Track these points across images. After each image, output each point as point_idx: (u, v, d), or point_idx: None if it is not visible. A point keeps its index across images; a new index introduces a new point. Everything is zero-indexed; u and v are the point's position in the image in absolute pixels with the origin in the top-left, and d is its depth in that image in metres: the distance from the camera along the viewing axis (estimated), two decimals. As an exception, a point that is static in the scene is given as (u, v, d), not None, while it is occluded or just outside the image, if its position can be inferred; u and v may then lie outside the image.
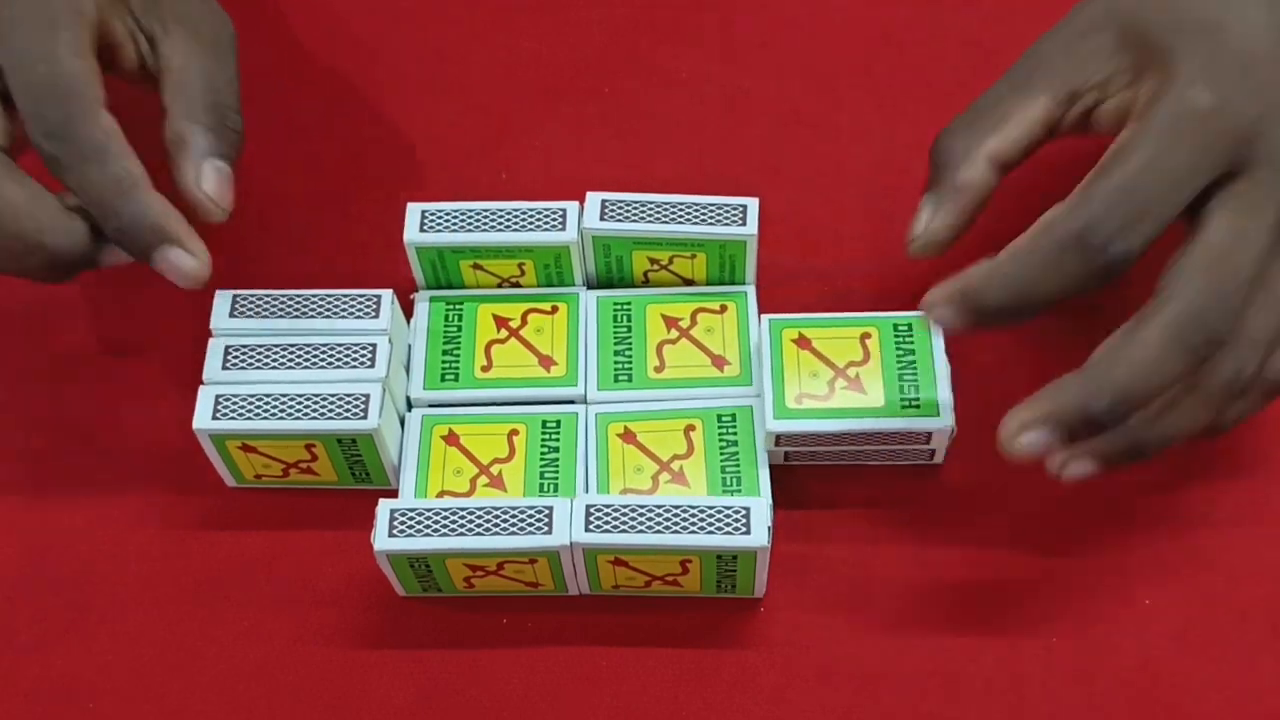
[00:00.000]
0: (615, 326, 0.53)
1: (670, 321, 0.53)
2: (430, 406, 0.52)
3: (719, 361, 0.52)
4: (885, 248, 0.55)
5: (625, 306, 0.53)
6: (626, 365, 0.52)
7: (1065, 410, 0.44)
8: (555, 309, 0.53)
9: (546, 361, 0.52)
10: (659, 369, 0.52)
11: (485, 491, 0.50)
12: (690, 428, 0.51)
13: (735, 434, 0.50)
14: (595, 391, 0.52)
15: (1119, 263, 0.44)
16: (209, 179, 0.49)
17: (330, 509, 0.52)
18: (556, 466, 0.50)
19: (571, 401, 0.52)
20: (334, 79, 0.62)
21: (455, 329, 0.53)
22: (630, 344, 0.52)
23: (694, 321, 0.53)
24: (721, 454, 0.50)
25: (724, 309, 0.53)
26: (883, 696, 0.49)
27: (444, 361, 0.52)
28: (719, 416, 0.51)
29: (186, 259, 0.48)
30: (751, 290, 0.53)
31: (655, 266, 0.53)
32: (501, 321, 0.53)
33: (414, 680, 0.49)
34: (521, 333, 0.53)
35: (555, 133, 0.60)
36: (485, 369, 0.52)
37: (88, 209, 0.48)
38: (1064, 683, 0.49)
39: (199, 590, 0.51)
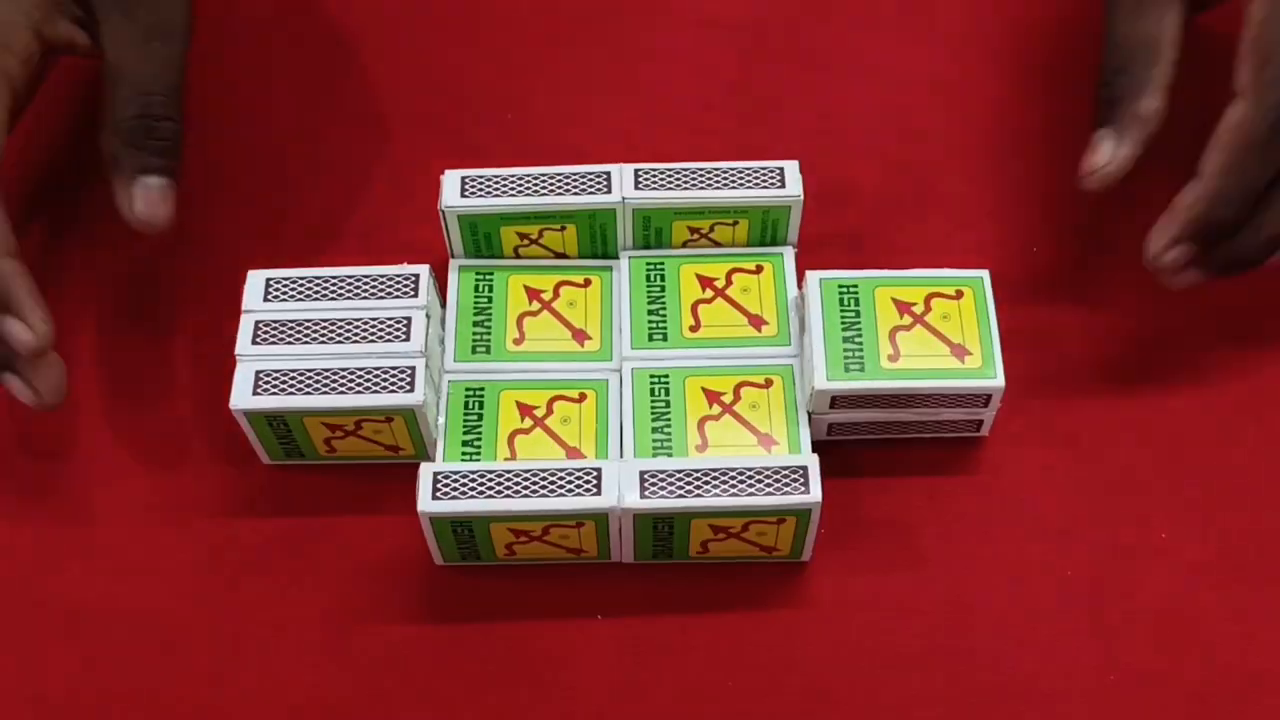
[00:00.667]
0: (649, 286, 0.52)
1: (705, 281, 0.52)
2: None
3: (756, 321, 0.52)
4: (912, 202, 0.56)
5: (659, 266, 0.53)
6: (661, 325, 0.52)
7: (1233, 261, 0.48)
8: (588, 281, 0.53)
9: (580, 335, 0.52)
10: (694, 328, 0.52)
11: (528, 452, 0.49)
12: (730, 386, 0.50)
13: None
14: (629, 350, 0.51)
15: None
16: (139, 200, 0.49)
17: (363, 485, 0.51)
18: (595, 426, 0.50)
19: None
20: (333, 39, 0.62)
21: (486, 300, 0.52)
22: (664, 304, 0.52)
23: (729, 281, 0.52)
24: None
25: (760, 269, 0.53)
26: (896, 625, 0.49)
27: (475, 334, 0.52)
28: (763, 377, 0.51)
29: (19, 330, 0.47)
30: (789, 251, 0.53)
31: (695, 236, 0.53)
32: (534, 293, 0.53)
33: (456, 653, 0.49)
34: (554, 305, 0.53)
35: (561, 77, 0.60)
36: (517, 341, 0.52)
37: None
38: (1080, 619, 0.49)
39: (235, 567, 0.50)
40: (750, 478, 0.46)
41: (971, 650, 0.49)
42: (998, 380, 0.48)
